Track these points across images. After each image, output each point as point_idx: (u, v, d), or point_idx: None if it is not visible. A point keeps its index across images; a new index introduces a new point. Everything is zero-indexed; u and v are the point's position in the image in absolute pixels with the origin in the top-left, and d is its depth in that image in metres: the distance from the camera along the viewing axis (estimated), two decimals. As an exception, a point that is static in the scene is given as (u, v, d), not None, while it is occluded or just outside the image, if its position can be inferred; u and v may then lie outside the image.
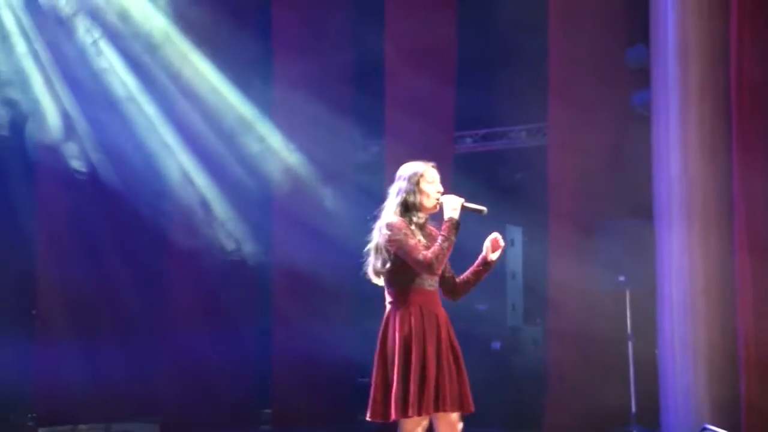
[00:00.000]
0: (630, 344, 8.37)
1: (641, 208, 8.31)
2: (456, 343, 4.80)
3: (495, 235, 4.90)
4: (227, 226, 9.97)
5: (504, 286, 9.72)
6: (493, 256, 4.87)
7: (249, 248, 10.04)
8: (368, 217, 4.90)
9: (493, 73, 10.03)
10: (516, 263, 9.86)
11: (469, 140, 10.68)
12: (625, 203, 8.57)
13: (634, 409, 8.28)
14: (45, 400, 10.02)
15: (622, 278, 8.33)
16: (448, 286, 4.91)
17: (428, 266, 4.64)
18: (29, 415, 10.20)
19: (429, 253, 4.65)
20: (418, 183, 4.78)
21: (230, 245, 9.94)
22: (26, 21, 9.93)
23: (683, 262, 7.72)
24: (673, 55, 7.84)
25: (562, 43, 8.95)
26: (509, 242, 9.61)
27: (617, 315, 8.41)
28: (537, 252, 9.25)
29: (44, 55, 9.95)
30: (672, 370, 7.75)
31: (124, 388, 10.09)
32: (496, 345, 9.50)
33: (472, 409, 4.76)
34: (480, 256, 4.88)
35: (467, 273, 4.91)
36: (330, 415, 9.92)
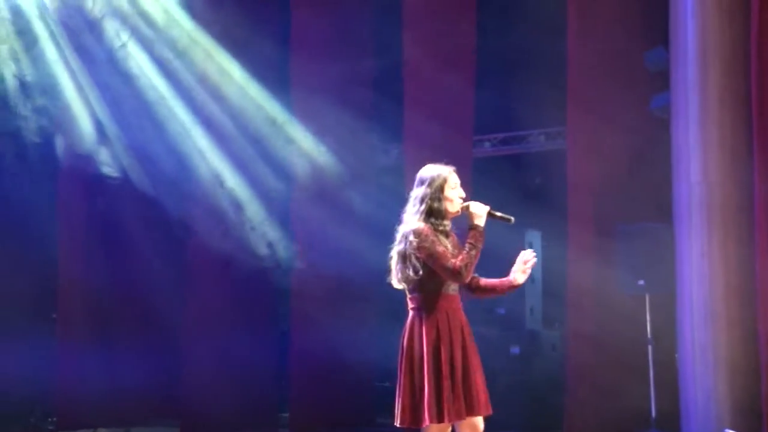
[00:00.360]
0: (650, 348, 8.34)
1: (661, 212, 8.28)
2: (477, 353, 4.80)
3: (526, 255, 4.90)
4: (259, 230, 9.98)
5: (523, 289, 9.64)
6: (520, 280, 4.91)
7: (279, 252, 10.06)
8: (395, 224, 4.87)
9: (512, 77, 10.02)
10: (535, 267, 9.82)
11: (487, 144, 10.67)
12: (644, 207, 8.54)
13: (654, 413, 8.24)
14: (65, 403, 10.07)
15: (641, 282, 8.30)
16: (470, 285, 4.91)
17: (457, 274, 4.65)
18: (49, 419, 10.27)
19: (458, 262, 4.65)
20: (442, 189, 4.77)
21: (262, 249, 9.95)
22: (55, 26, 10.01)
23: (703, 266, 7.68)
24: (692, 57, 7.80)
25: (581, 46, 8.93)
26: (528, 246, 9.59)
27: (637, 319, 8.38)
28: (556, 256, 9.22)
29: (73, 60, 10.02)
30: (692, 374, 7.71)
31: (143, 392, 10.12)
32: (515, 350, 9.47)
33: (491, 411, 4.77)
34: (508, 279, 4.90)
35: (495, 282, 4.93)
36: (348, 419, 9.92)
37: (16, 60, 9.96)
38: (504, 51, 10.08)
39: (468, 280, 4.72)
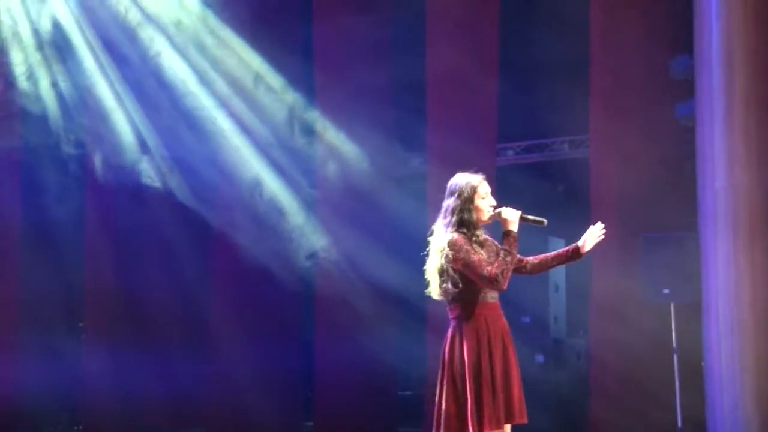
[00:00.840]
0: (675, 358, 8.28)
1: (686, 220, 8.23)
2: (516, 358, 4.81)
3: (596, 229, 4.91)
4: (284, 238, 10.00)
5: (546, 298, 9.68)
6: (587, 247, 4.91)
7: (304, 259, 10.08)
8: (428, 237, 4.86)
9: (536, 85, 10.00)
10: (559, 276, 9.81)
11: (510, 152, 10.64)
12: (669, 215, 8.49)
13: (679, 423, 8.18)
14: (91, 410, 10.13)
15: (666, 291, 8.25)
16: (519, 268, 4.91)
17: (494, 281, 4.64)
18: (75, 427, 10.33)
19: (493, 269, 4.64)
20: (472, 200, 4.77)
21: (286, 257, 9.96)
22: (92, 36, 10.11)
23: (729, 275, 7.62)
24: (717, 64, 7.76)
25: (605, 53, 8.91)
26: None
27: (662, 328, 8.32)
28: (580, 264, 9.16)
29: (108, 69, 10.12)
30: (718, 384, 7.64)
31: (169, 399, 10.16)
32: (540, 358, 9.45)
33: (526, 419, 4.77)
34: (573, 245, 4.92)
35: (547, 254, 4.95)
36: (371, 427, 9.91)
37: (53, 71, 10.07)
38: (527, 59, 10.06)
39: (505, 286, 4.71)
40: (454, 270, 4.69)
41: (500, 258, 4.66)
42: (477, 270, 4.64)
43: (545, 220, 4.81)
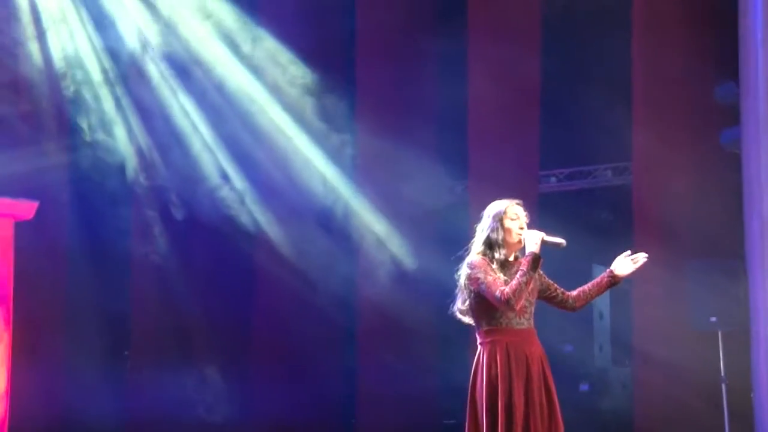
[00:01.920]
0: (723, 387, 8.15)
1: (732, 247, 8.13)
2: (551, 382, 4.73)
3: (634, 256, 4.89)
4: (326, 267, 10.03)
5: (591, 326, 9.60)
6: (622, 272, 4.87)
7: (346, 287, 10.10)
8: (452, 257, 4.89)
9: (578, 112, 9.98)
10: (603, 303, 9.73)
11: (553, 179, 10.60)
12: (715, 242, 8.39)
13: (728, 455, 8.05)
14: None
15: (713, 319, 8.15)
16: (564, 304, 4.87)
17: (506, 302, 4.60)
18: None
19: (507, 289, 4.61)
20: (501, 220, 4.78)
21: (328, 285, 9.98)
22: (109, 66, 10.27)
23: (777, 302, 7.51)
24: (763, 90, 7.69)
25: (648, 79, 8.87)
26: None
27: (709, 356, 8.20)
28: (624, 292, 9.11)
29: (126, 98, 10.28)
30: (768, 414, 7.51)
31: (211, 426, 10.19)
32: (585, 387, 9.35)
33: None
34: (607, 271, 4.89)
35: (587, 285, 4.90)
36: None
37: (120, 96, 10.25)
38: (569, 85, 10.05)
39: (518, 307, 4.65)
40: (468, 289, 4.72)
41: (516, 279, 4.62)
42: (491, 290, 4.63)
43: (564, 242, 4.76)
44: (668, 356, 8.28)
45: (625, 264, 4.92)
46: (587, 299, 4.92)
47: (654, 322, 8.41)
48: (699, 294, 8.16)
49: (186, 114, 10.24)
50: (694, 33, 8.81)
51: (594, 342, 9.56)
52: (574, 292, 4.89)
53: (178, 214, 10.29)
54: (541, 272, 4.80)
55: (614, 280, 4.92)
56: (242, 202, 10.21)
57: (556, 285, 4.88)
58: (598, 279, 4.93)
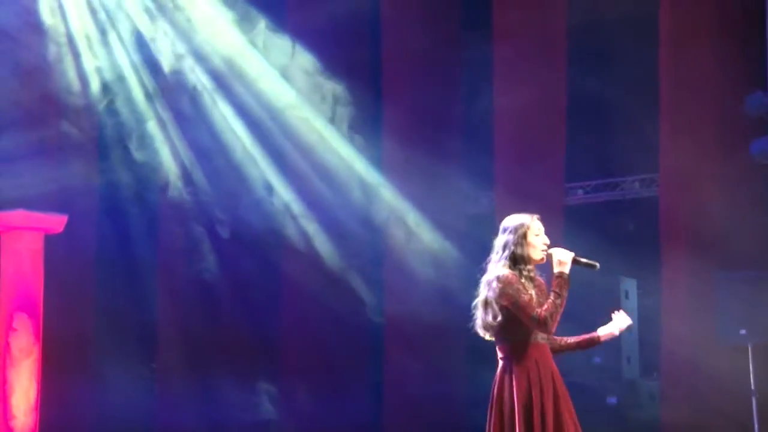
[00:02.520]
0: (754, 401, 8.06)
1: (762, 259, 8.06)
2: (569, 400, 4.72)
3: (623, 321, 4.89)
4: (352, 279, 10.05)
5: (619, 338, 9.50)
6: (605, 337, 4.91)
7: (371, 301, 10.10)
8: (477, 273, 4.86)
9: (605, 123, 9.94)
10: (631, 316, 9.59)
11: (580, 191, 10.56)
12: (744, 254, 8.31)
13: (758, 469, 7.96)
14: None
15: (743, 331, 8.07)
16: (552, 346, 4.84)
17: (543, 324, 4.59)
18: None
19: (543, 311, 4.59)
20: (525, 235, 4.74)
21: (355, 299, 9.99)
22: (148, 80, 10.36)
23: (808, 314, 7.43)
24: (791, 100, 7.63)
25: (676, 91, 8.82)
26: (623, 294, 9.43)
27: (739, 370, 8.12)
28: (652, 304, 9.04)
29: (164, 111, 10.36)
30: (799, 428, 7.43)
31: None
32: (612, 400, 9.28)
33: None
34: (592, 334, 4.89)
35: (572, 339, 4.89)
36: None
37: (166, 118, 10.35)
38: (596, 96, 10.01)
39: (554, 329, 4.65)
40: (497, 303, 4.65)
41: (550, 300, 4.60)
42: (526, 310, 4.60)
43: (598, 264, 4.73)
44: (697, 369, 8.20)
45: (609, 328, 4.93)
46: (562, 349, 4.88)
47: (682, 335, 8.34)
48: (728, 306, 8.09)
49: (227, 126, 10.31)
50: (721, 43, 8.75)
51: (622, 354, 9.49)
52: (560, 342, 4.87)
53: (222, 231, 10.35)
54: (545, 283, 4.78)
55: (595, 341, 4.93)
56: (275, 213, 10.25)
57: None
58: (580, 337, 4.91)
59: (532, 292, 4.69)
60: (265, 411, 10.26)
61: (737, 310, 8.07)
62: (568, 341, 4.89)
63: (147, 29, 10.28)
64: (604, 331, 4.92)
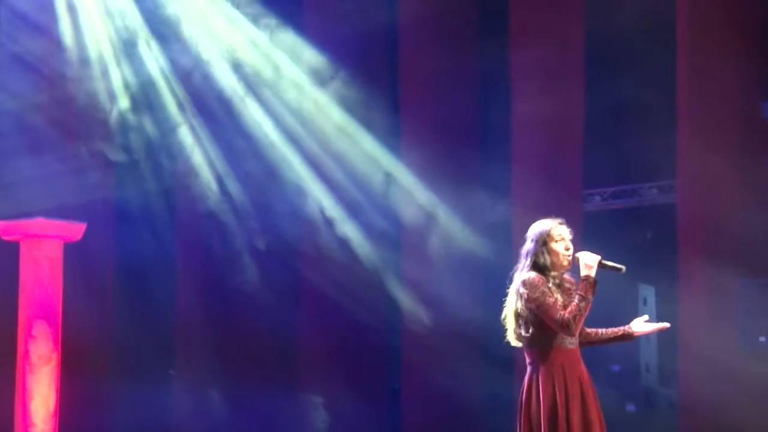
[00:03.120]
0: (774, 409, 8.02)
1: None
2: (598, 404, 4.72)
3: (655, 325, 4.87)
4: (370, 287, 10.04)
5: (637, 346, 9.51)
6: (637, 332, 4.86)
7: (390, 308, 10.09)
8: (506, 281, 4.85)
9: (623, 130, 9.92)
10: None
11: (598, 198, 10.54)
12: (763, 261, 8.28)
13: (778, 477, 7.90)
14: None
15: (763, 339, 8.03)
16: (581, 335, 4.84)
17: (566, 326, 4.60)
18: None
19: (566, 314, 4.60)
20: (545, 243, 4.74)
21: (373, 306, 9.98)
22: (175, 86, 10.43)
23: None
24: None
25: (693, 98, 8.79)
26: (642, 301, 9.40)
27: (759, 377, 8.07)
28: (671, 311, 9.00)
29: (194, 118, 10.42)
30: (820, 436, 7.37)
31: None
32: (631, 407, 9.25)
33: None
34: (626, 327, 4.86)
35: (606, 331, 4.87)
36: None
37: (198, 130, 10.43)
38: (614, 103, 10.00)
39: (577, 332, 4.66)
40: (529, 311, 4.66)
41: (574, 303, 4.61)
42: (550, 312, 4.61)
43: (624, 267, 4.74)
44: (716, 376, 8.16)
45: (645, 326, 4.88)
46: (595, 342, 4.88)
47: (700, 342, 8.30)
48: (747, 313, 8.05)
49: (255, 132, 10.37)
50: (739, 50, 8.72)
51: (640, 362, 9.46)
52: (591, 330, 4.86)
53: (243, 238, 10.38)
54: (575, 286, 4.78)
55: (628, 336, 4.89)
56: (298, 221, 10.29)
57: None
58: (616, 329, 4.89)
59: (558, 295, 4.69)
60: (282, 417, 10.26)
61: (756, 318, 8.04)
62: (601, 333, 4.87)
63: (170, 38, 10.34)
64: (638, 328, 4.87)
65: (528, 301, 4.66)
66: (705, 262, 8.48)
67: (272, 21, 10.30)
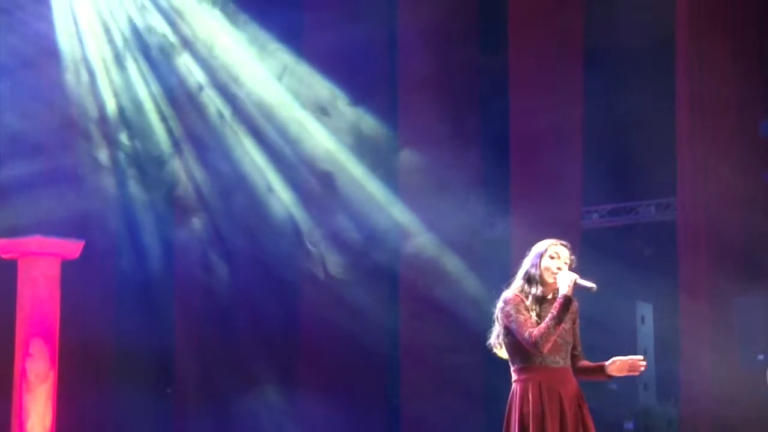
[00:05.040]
0: (774, 427, 7.99)
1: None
2: (589, 421, 4.67)
3: (633, 361, 4.74)
4: (368, 302, 10.04)
5: (636, 364, 9.45)
6: (613, 373, 4.73)
7: (387, 322, 10.09)
8: (493, 291, 4.89)
9: (621, 147, 9.92)
10: (647, 340, 9.60)
11: (596, 215, 10.53)
12: (762, 279, 8.26)
13: (778, 496, 7.86)
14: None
15: (761, 357, 8.00)
16: (574, 364, 4.79)
17: (533, 344, 4.59)
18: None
19: (535, 332, 4.59)
20: (540, 256, 4.78)
21: (370, 321, 9.97)
22: (165, 107, 10.45)
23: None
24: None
25: (693, 115, 8.80)
26: (639, 319, 9.39)
27: (758, 396, 8.04)
28: (668, 329, 8.99)
29: (182, 136, 10.43)
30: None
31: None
32: (630, 425, 9.21)
33: None
34: (604, 364, 4.74)
35: (592, 365, 4.79)
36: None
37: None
38: (612, 120, 10.01)
39: (545, 350, 4.60)
40: (500, 322, 4.72)
41: (545, 322, 4.59)
42: (520, 329, 4.62)
43: (595, 286, 4.71)
44: (715, 395, 8.13)
45: (621, 368, 4.73)
46: (585, 375, 4.80)
47: (701, 360, 8.28)
48: (746, 332, 8.03)
49: (245, 153, 10.38)
50: (738, 68, 8.74)
51: (638, 379, 9.42)
52: (580, 365, 4.79)
53: (240, 258, 10.37)
54: (578, 321, 4.76)
55: (606, 377, 4.78)
56: (293, 240, 10.28)
57: (579, 343, 4.79)
58: (595, 367, 4.76)
59: (533, 313, 4.67)
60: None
61: (756, 335, 8.01)
62: (590, 366, 4.79)
63: (165, 55, 10.36)
64: (615, 371, 4.73)
65: (504, 317, 4.70)
66: (705, 280, 8.48)
67: (268, 40, 10.33)
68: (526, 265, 4.80)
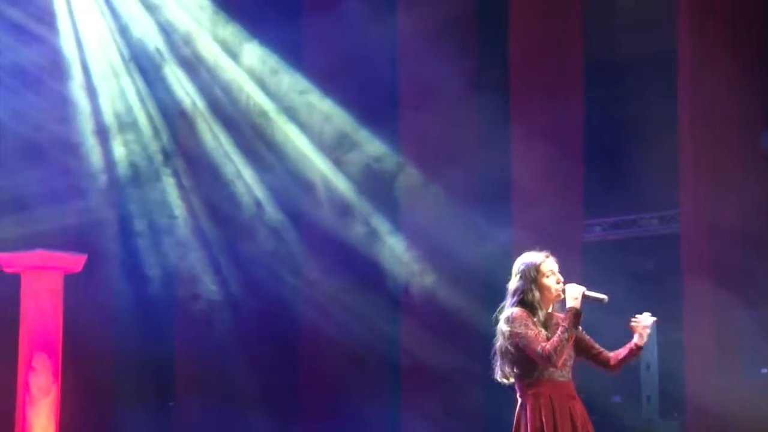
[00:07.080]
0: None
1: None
2: None
3: (638, 320, 4.77)
4: (368, 317, 10.03)
5: (638, 377, 9.44)
6: (640, 341, 4.75)
7: (387, 338, 10.08)
8: (493, 317, 4.84)
9: (623, 160, 9.93)
10: (650, 354, 9.58)
11: (598, 228, 10.52)
12: (767, 292, 8.25)
13: None
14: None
15: (764, 370, 7.99)
16: (600, 363, 4.80)
17: (547, 358, 4.56)
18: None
19: (548, 345, 4.56)
20: (535, 280, 4.71)
21: (372, 337, 9.97)
22: (157, 119, 10.48)
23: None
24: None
25: (695, 127, 8.80)
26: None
27: (761, 410, 8.02)
28: (672, 342, 8.97)
29: (175, 153, 10.47)
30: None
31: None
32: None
33: None
34: (632, 343, 4.76)
35: (622, 351, 4.78)
36: None
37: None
38: (615, 132, 10.02)
39: (560, 364, 4.60)
40: (514, 347, 4.62)
41: (557, 335, 4.57)
42: (532, 345, 4.56)
43: (606, 298, 4.69)
44: (720, 409, 8.11)
45: (640, 333, 4.78)
46: (623, 363, 4.80)
47: (705, 373, 8.26)
48: (749, 345, 8.02)
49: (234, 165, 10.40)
50: (740, 79, 8.74)
51: (642, 393, 9.40)
52: (615, 355, 4.79)
53: (238, 272, 10.39)
54: (580, 327, 4.73)
55: (639, 349, 4.80)
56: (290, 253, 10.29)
57: (595, 343, 4.79)
58: (628, 350, 4.79)
59: (542, 328, 4.64)
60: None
61: (759, 349, 8.00)
62: (619, 355, 4.78)
63: (167, 71, 10.40)
64: (638, 339, 4.77)
65: (511, 336, 4.62)
66: (709, 293, 8.46)
67: (264, 51, 10.37)
68: (520, 288, 4.71)
